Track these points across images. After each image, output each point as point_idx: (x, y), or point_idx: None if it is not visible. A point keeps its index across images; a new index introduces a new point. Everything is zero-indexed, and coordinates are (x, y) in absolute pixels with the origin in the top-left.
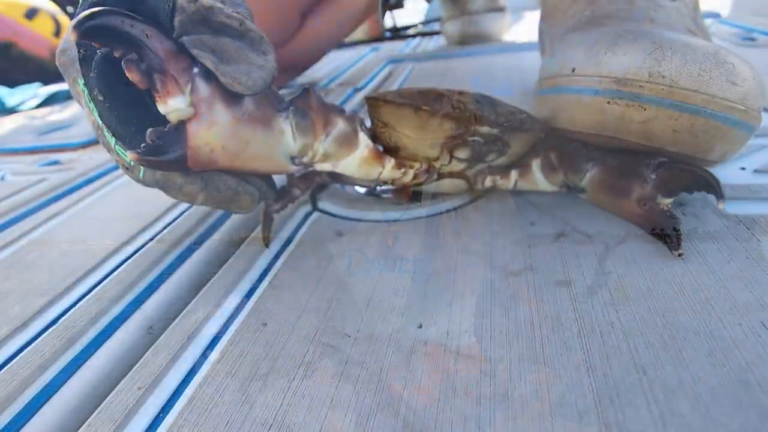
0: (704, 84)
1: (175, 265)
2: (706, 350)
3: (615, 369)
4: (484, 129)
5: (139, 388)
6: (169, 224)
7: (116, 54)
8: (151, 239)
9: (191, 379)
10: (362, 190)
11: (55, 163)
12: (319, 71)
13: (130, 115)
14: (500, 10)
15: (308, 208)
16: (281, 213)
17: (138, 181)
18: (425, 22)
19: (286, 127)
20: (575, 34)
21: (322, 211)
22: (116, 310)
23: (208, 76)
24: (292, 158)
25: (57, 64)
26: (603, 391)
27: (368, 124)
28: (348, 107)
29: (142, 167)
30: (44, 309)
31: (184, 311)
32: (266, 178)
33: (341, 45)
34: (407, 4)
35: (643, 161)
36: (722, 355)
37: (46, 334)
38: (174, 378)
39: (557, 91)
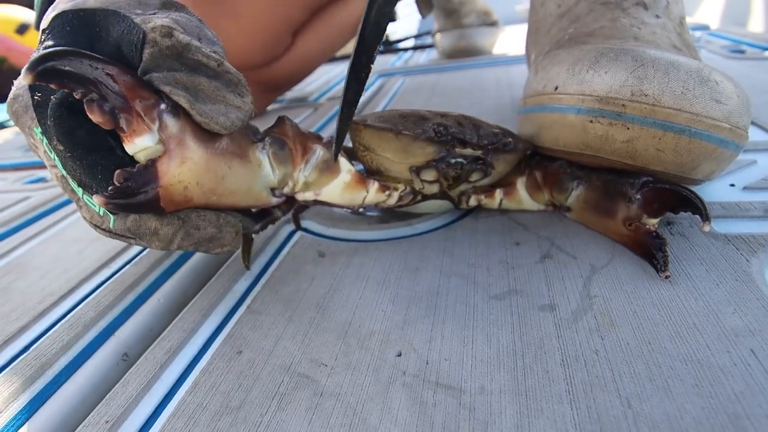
0: (688, 103)
1: (153, 288)
2: (693, 380)
3: (599, 401)
4: (467, 151)
5: (107, 422)
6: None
7: (76, 95)
8: (129, 261)
9: (161, 412)
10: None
11: (41, 180)
12: (310, 85)
13: (95, 161)
14: (493, 24)
15: (292, 226)
16: (264, 231)
17: (108, 233)
18: (417, 36)
19: (263, 158)
20: (559, 51)
21: (305, 230)
22: (90, 336)
23: (176, 111)
24: (272, 190)
25: (8, 113)
26: (586, 425)
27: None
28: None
29: (111, 216)
30: (16, 336)
31: (160, 337)
32: (245, 212)
33: (332, 59)
34: (399, 18)
35: (627, 181)
36: (710, 385)
37: (16, 362)
38: (143, 411)
39: (541, 110)
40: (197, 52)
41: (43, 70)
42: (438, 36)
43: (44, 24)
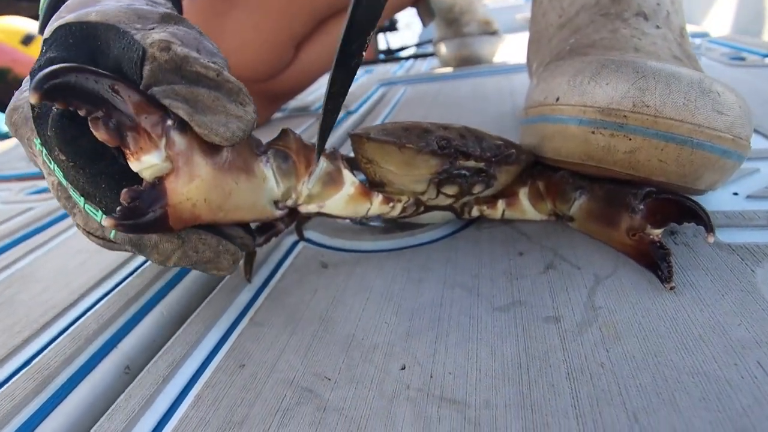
0: (690, 114)
1: (155, 300)
2: (700, 393)
3: (605, 415)
4: (470, 164)
5: None
6: None
7: (81, 113)
8: (132, 273)
9: (163, 426)
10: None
11: (44, 191)
12: (311, 94)
13: (98, 170)
14: (494, 33)
15: (294, 236)
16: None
17: (103, 241)
18: (419, 44)
19: (267, 172)
20: (559, 62)
21: (308, 240)
22: (92, 349)
23: (183, 127)
24: (276, 203)
25: (7, 124)
26: None
27: (352, 156)
28: (340, 130)
29: (111, 231)
30: (19, 348)
31: (162, 350)
32: (246, 226)
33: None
34: (401, 26)
35: (630, 191)
36: (717, 398)
37: (18, 375)
38: (146, 426)
39: (543, 120)
40: (195, 64)
41: (51, 88)
42: (439, 45)
43: (47, 34)
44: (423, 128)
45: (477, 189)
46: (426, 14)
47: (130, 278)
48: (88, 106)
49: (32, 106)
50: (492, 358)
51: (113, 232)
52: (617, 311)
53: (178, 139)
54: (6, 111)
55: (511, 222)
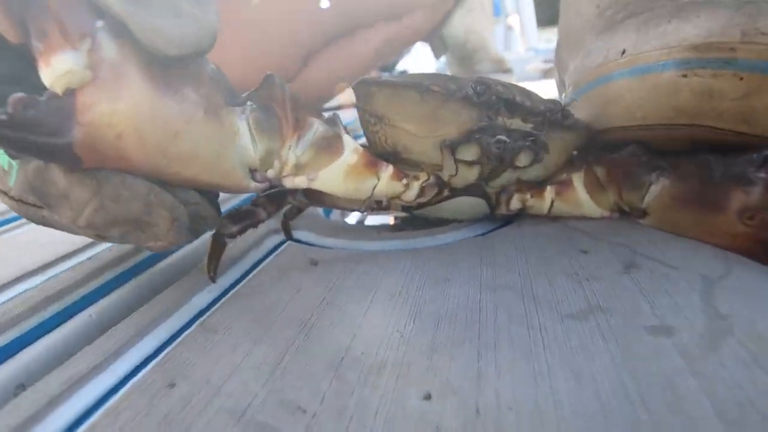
0: None
1: (86, 302)
2: None
3: None
4: (515, 122)
5: None
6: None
7: None
8: (68, 269)
9: None
10: (352, 219)
11: None
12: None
13: (4, 95)
14: (506, 71)
15: (280, 237)
16: (241, 238)
17: (11, 201)
18: None
19: (241, 125)
20: (615, 27)
21: (297, 241)
22: None
23: (120, 33)
24: (252, 172)
25: None
26: None
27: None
28: None
29: (13, 172)
30: None
31: (69, 361)
32: (206, 194)
33: (340, 107)
34: (413, 66)
35: (739, 159)
36: None
37: None
38: None
39: (604, 81)
40: None
41: None
42: None
43: None
44: (450, 77)
45: (522, 160)
46: (438, 46)
47: (63, 273)
48: None
49: None
50: (577, 383)
51: (13, 176)
52: (757, 320)
53: (108, 45)
54: None
55: (561, 219)
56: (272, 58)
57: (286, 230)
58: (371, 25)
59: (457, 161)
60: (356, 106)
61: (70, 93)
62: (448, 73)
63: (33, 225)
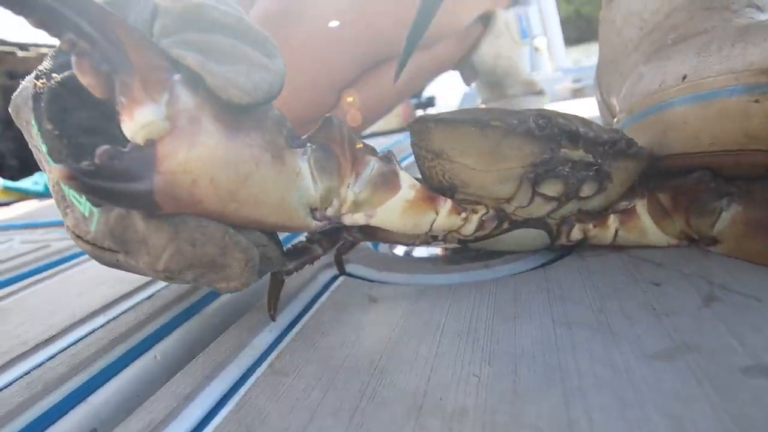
0: None
1: (150, 342)
2: None
3: None
4: (577, 154)
5: None
6: (156, 292)
7: (62, 44)
8: (132, 308)
9: None
10: (400, 250)
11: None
12: None
13: (88, 143)
14: (538, 93)
15: (333, 271)
16: (296, 275)
17: (92, 247)
18: None
19: (302, 165)
20: (666, 50)
21: (350, 275)
22: (52, 400)
23: (194, 84)
24: (313, 210)
25: (10, 109)
26: None
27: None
28: None
29: (94, 219)
30: None
31: (142, 406)
32: (271, 235)
33: (373, 134)
34: (439, 101)
35: None
36: None
37: None
38: None
39: (664, 107)
40: (213, 11)
41: None
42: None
43: None
44: (506, 110)
45: (586, 191)
46: (469, 75)
47: (125, 314)
48: (71, 33)
49: (35, 83)
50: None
51: (94, 223)
52: None
53: (185, 96)
54: (12, 97)
55: (623, 249)
56: (309, 89)
57: (339, 265)
58: None
59: (535, 194)
60: (412, 142)
61: (151, 143)
62: (479, 99)
63: (89, 263)
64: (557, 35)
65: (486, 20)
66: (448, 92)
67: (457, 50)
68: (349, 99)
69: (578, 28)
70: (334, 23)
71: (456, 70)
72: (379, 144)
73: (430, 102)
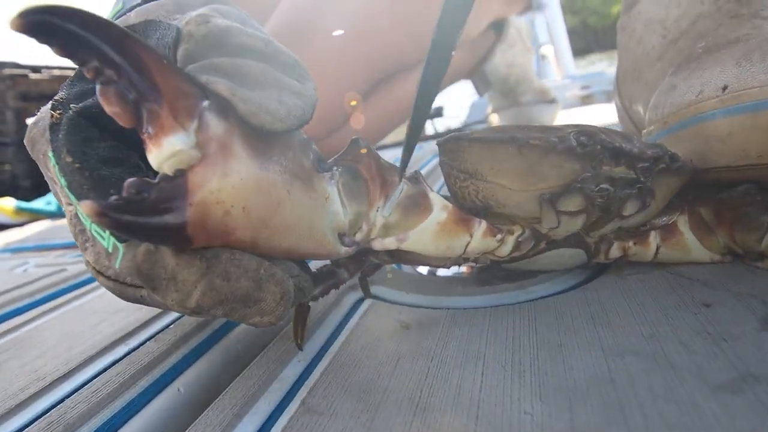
0: None
1: (173, 374)
2: None
3: None
4: (620, 171)
5: None
6: (176, 319)
7: (87, 72)
8: (152, 337)
9: None
10: (424, 269)
11: (81, 255)
12: None
13: (110, 175)
14: (551, 101)
15: (357, 294)
16: (322, 300)
17: (114, 283)
18: (465, 126)
19: (331, 190)
20: (699, 60)
21: (377, 297)
22: None
23: (224, 111)
24: (341, 236)
25: (25, 141)
26: None
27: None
28: None
29: (119, 255)
30: None
31: None
32: (300, 263)
33: (383, 146)
34: (447, 111)
35: None
36: None
37: None
38: None
39: (705, 119)
40: (240, 35)
41: (41, 21)
42: (494, 117)
43: None
44: (544, 127)
45: (629, 209)
46: (482, 85)
47: (145, 344)
48: (95, 62)
49: (51, 114)
50: None
51: (119, 259)
52: None
53: (215, 123)
54: (28, 128)
55: (664, 266)
56: (323, 107)
57: (365, 288)
58: (414, 66)
59: (559, 213)
60: (442, 161)
61: (181, 174)
62: (490, 108)
63: (103, 291)
64: (564, 43)
65: (499, 28)
66: (455, 102)
67: (470, 60)
68: (352, 103)
69: (584, 39)
70: (345, 38)
71: (468, 79)
72: (390, 157)
73: (438, 112)
